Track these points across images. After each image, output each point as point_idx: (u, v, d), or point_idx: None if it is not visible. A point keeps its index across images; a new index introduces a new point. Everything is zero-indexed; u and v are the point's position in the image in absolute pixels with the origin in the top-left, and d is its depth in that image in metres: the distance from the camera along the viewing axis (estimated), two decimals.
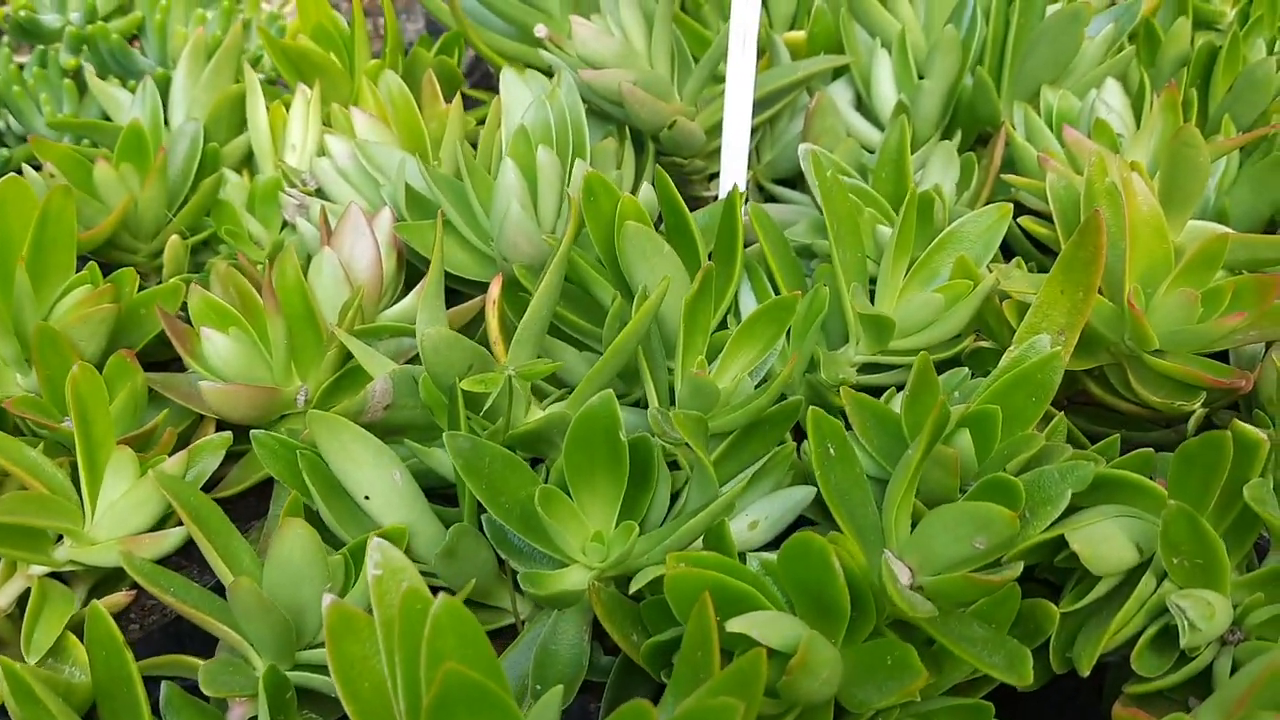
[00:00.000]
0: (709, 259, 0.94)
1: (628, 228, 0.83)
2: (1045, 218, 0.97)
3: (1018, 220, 0.96)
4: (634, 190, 1.08)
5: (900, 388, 0.96)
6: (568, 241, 0.80)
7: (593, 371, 0.79)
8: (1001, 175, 0.99)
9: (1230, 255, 0.92)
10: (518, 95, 0.97)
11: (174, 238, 0.94)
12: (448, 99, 1.23)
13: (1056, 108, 1.05)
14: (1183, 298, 0.81)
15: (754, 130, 1.15)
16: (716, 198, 1.12)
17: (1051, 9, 1.16)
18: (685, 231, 0.89)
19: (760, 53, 1.21)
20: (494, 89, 1.11)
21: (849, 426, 0.78)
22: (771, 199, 1.18)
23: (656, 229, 0.97)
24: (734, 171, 1.01)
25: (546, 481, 0.77)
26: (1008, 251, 1.01)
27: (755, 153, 1.18)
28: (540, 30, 1.08)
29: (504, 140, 0.95)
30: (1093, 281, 0.81)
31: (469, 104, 1.34)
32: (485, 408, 0.74)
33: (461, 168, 0.89)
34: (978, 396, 0.76)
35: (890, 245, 0.88)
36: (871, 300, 0.91)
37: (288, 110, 1.04)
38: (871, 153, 1.13)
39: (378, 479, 0.72)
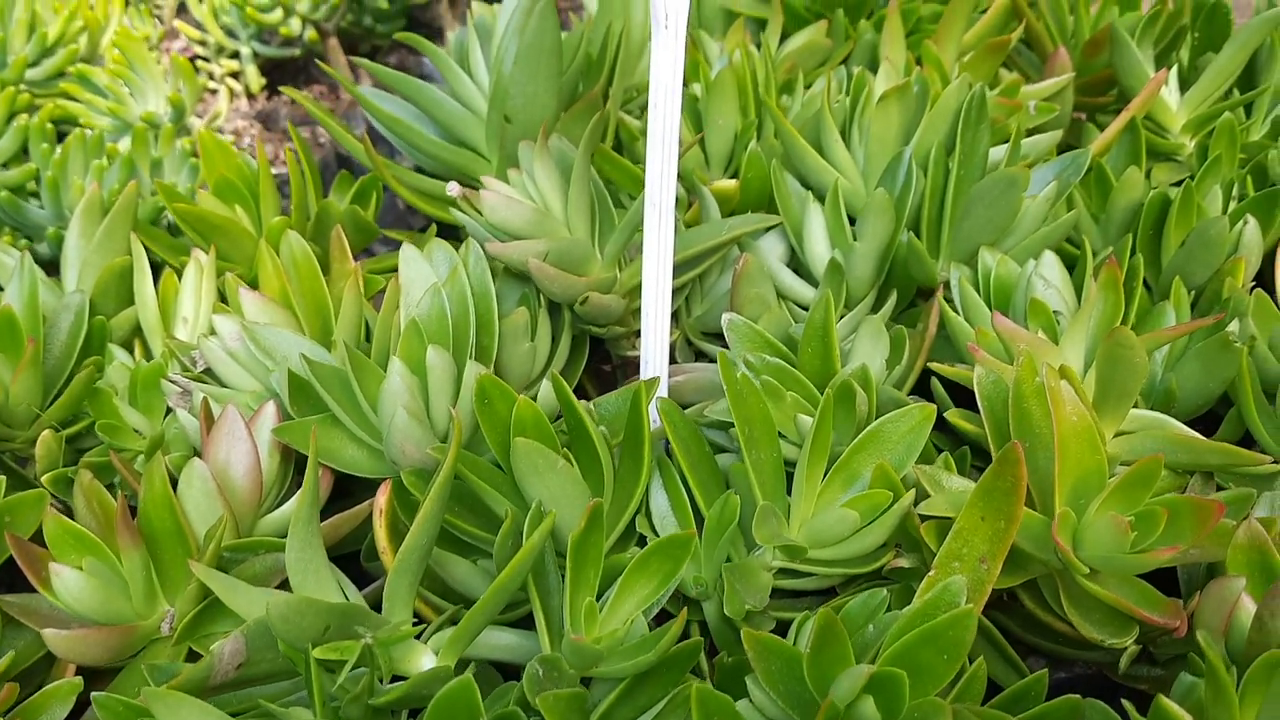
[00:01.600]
0: (614, 455, 0.88)
1: (518, 446, 0.78)
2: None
3: (946, 413, 0.90)
4: (550, 357, 1.02)
5: (820, 598, 0.90)
6: (449, 465, 0.74)
7: (476, 607, 0.73)
8: (929, 364, 0.93)
9: (1172, 458, 0.86)
10: (417, 274, 0.91)
11: (46, 433, 0.88)
12: (361, 251, 1.17)
13: (995, 274, 0.99)
14: (1113, 524, 0.75)
15: (682, 286, 1.09)
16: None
17: (996, 151, 1.10)
18: (585, 438, 0.83)
19: (690, 191, 1.15)
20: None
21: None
22: (701, 354, 1.12)
23: (558, 419, 0.91)
24: (655, 342, 0.95)
25: None
26: (942, 424, 0.94)
27: (685, 306, 1.12)
28: (453, 189, 1.03)
29: (400, 323, 0.90)
30: (1015, 511, 0.75)
31: (392, 245, 1.28)
32: (347, 670, 0.68)
33: (346, 366, 0.83)
34: (885, 649, 0.70)
35: (807, 447, 0.82)
36: (789, 489, 0.85)
37: (181, 277, 0.98)
38: (805, 309, 1.07)
39: None
